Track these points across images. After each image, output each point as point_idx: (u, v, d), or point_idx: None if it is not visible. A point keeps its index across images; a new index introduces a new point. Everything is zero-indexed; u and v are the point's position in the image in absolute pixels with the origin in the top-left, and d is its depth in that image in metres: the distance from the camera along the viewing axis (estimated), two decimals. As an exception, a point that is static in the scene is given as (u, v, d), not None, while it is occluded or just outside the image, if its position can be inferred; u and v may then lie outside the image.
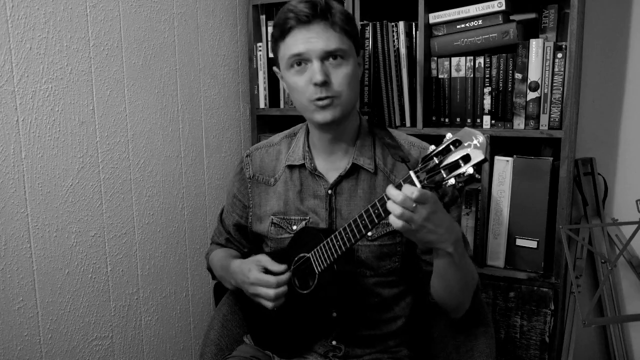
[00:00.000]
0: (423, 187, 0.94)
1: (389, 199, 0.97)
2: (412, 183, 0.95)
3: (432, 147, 0.93)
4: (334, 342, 1.25)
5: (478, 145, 0.87)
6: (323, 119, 1.16)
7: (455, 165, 0.89)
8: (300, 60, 1.15)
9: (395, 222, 0.96)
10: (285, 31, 1.15)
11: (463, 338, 1.30)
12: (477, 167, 0.88)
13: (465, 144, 0.88)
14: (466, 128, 0.90)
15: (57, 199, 1.40)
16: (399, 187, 0.96)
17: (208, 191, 1.88)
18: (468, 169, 0.87)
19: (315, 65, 1.13)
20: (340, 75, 1.15)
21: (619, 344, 1.84)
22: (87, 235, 1.48)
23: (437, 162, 0.91)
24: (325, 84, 1.13)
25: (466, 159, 0.88)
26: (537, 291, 1.63)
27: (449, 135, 0.91)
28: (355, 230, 1.06)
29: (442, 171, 0.90)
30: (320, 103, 1.15)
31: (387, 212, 0.99)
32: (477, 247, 1.69)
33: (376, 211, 1.02)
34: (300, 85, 1.16)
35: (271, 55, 1.94)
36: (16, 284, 1.33)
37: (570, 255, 1.52)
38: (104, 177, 1.51)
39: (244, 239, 1.41)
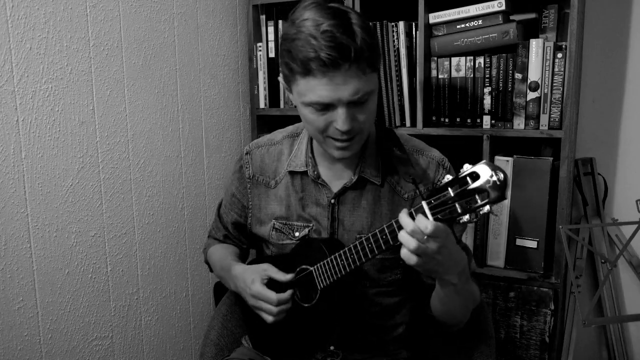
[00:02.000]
0: (436, 219, 0.88)
1: (401, 228, 0.92)
2: (424, 214, 0.89)
3: (448, 176, 0.88)
4: (332, 347, 1.24)
5: (497, 182, 0.82)
6: (341, 156, 1.12)
7: (471, 200, 0.83)
8: (322, 107, 1.04)
9: (409, 258, 0.92)
10: (308, 71, 1.01)
11: (463, 338, 1.30)
12: (494, 204, 0.83)
13: (484, 179, 0.83)
14: (486, 161, 0.84)
15: (57, 199, 1.40)
16: (409, 216, 0.92)
17: (208, 191, 1.88)
18: (485, 207, 0.83)
19: (341, 112, 1.03)
20: (365, 114, 1.06)
21: (619, 344, 1.84)
22: (87, 235, 1.48)
23: (452, 194, 0.86)
24: (349, 130, 1.05)
25: (483, 195, 0.83)
26: (537, 291, 1.63)
27: (466, 167, 0.86)
28: (362, 253, 1.04)
29: (457, 205, 0.85)
30: (339, 145, 1.08)
31: (396, 242, 0.96)
32: (477, 247, 1.68)
33: (384, 237, 0.99)
34: (320, 125, 1.07)
35: (271, 55, 1.95)
36: (16, 284, 1.33)
37: (570, 255, 1.52)
38: (104, 177, 1.51)
39: (242, 236, 1.39)
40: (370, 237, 1.01)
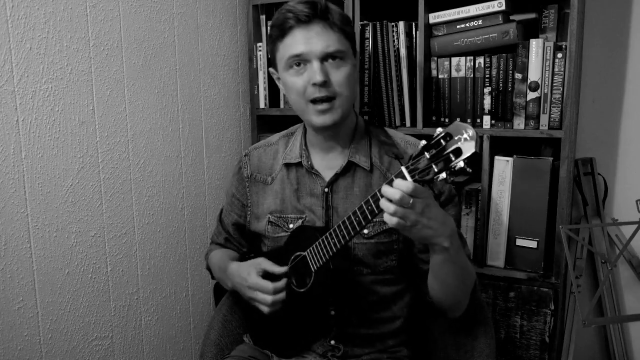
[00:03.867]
0: (415, 181, 0.93)
1: (382, 196, 0.97)
2: (404, 178, 0.95)
3: (423, 141, 0.93)
4: (332, 342, 1.25)
5: (468, 138, 0.87)
6: (322, 122, 1.17)
7: (446, 159, 0.89)
8: (299, 61, 1.16)
9: (389, 219, 0.96)
10: (285, 31, 1.16)
11: (463, 338, 1.30)
12: (469, 160, 0.87)
13: (456, 138, 0.88)
14: (457, 122, 0.90)
15: (57, 199, 1.40)
16: (390, 182, 0.96)
17: (208, 191, 1.88)
18: (459, 163, 0.87)
19: (315, 65, 1.14)
20: (340, 75, 1.16)
21: (619, 344, 1.84)
22: (87, 235, 1.48)
23: (428, 156, 0.91)
24: (324, 84, 1.14)
25: (457, 152, 0.88)
26: (537, 291, 1.63)
27: (439, 130, 0.91)
28: (350, 228, 1.06)
29: (434, 165, 0.90)
30: (320, 107, 1.15)
31: (380, 209, 0.99)
32: (477, 247, 1.68)
33: (369, 207, 1.02)
34: (299, 86, 1.16)
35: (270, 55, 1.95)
36: (16, 284, 1.33)
37: (570, 255, 1.52)
38: (104, 177, 1.51)
39: (243, 239, 1.42)
40: (357, 210, 1.05)
